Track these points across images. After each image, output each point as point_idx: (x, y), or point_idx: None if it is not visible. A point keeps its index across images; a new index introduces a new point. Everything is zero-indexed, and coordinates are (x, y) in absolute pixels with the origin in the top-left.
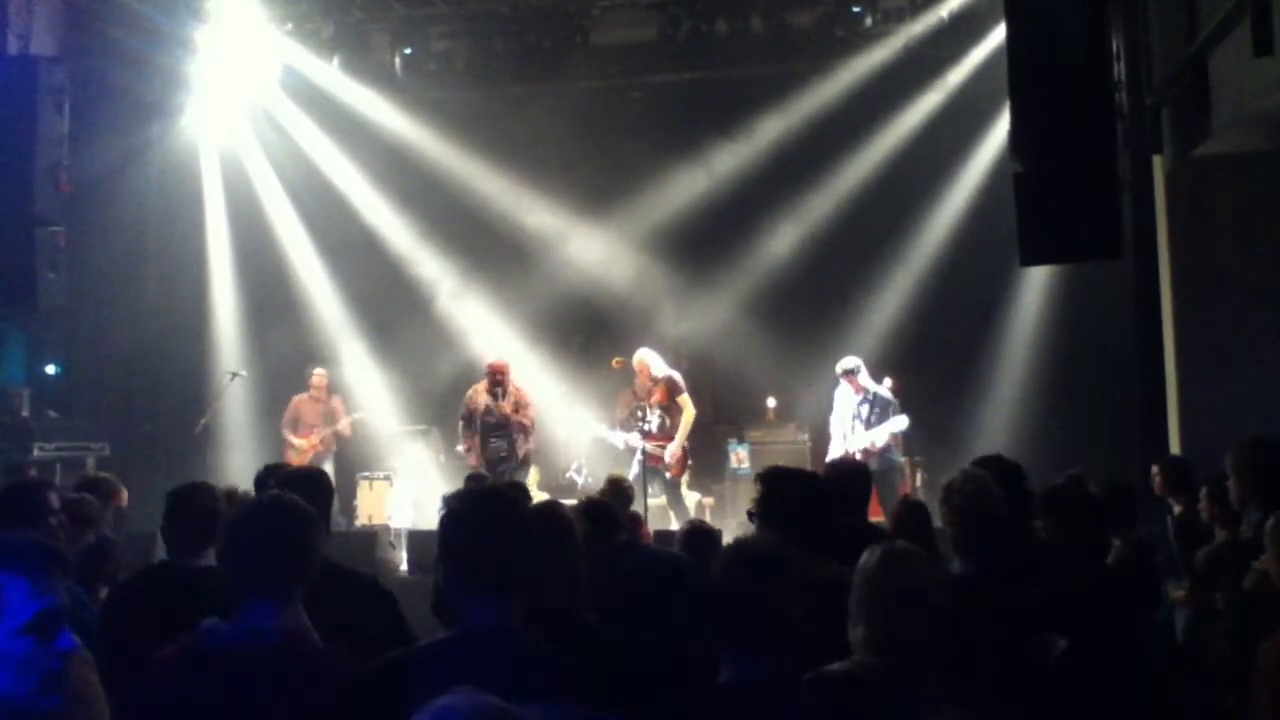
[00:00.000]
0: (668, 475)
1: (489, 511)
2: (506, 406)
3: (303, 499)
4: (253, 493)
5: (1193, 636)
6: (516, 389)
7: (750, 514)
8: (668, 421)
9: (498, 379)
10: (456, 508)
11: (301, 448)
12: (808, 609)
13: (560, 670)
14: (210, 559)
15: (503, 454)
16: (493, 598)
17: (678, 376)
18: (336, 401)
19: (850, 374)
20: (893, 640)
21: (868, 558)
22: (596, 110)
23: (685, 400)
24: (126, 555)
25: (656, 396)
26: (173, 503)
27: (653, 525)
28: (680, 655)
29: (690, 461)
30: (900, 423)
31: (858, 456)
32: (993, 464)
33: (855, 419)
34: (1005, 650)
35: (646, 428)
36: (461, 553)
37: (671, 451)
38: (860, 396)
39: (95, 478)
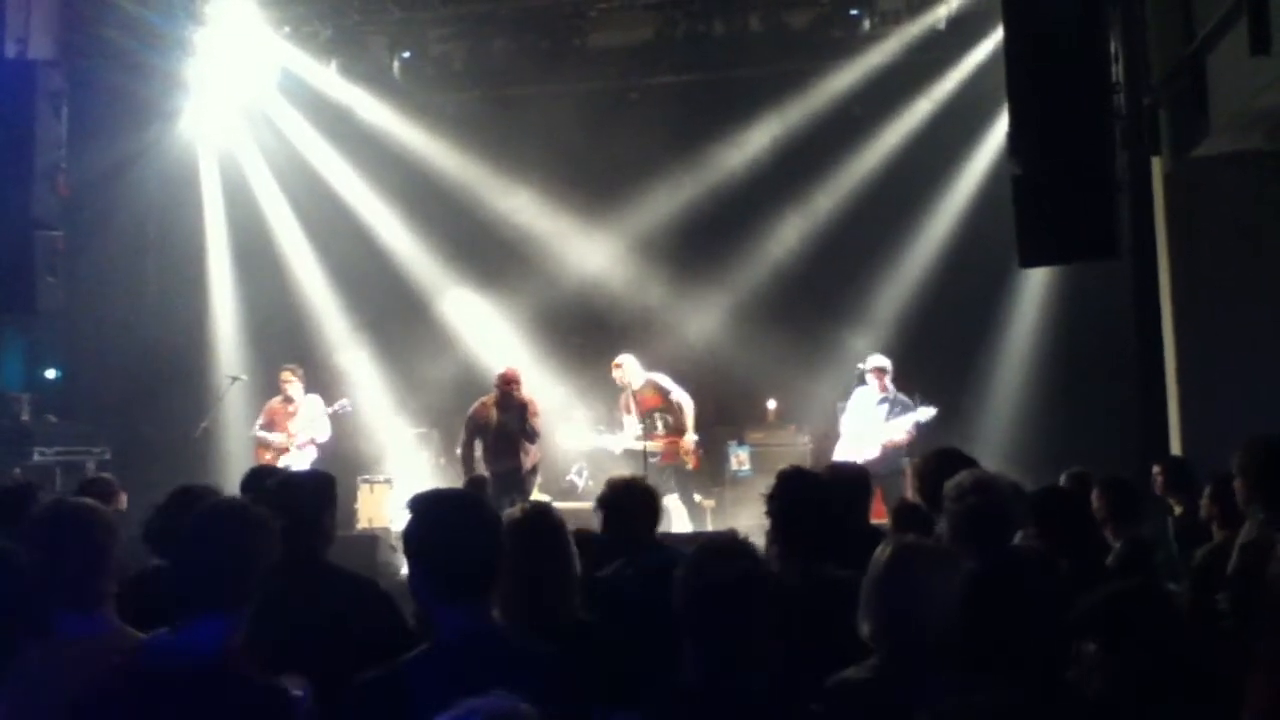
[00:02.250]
0: (688, 467)
1: (458, 513)
2: (515, 420)
3: (302, 502)
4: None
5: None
6: (528, 399)
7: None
8: (670, 420)
9: (508, 389)
10: (423, 512)
11: (273, 444)
12: (773, 608)
13: (542, 670)
14: None
15: (514, 467)
16: (470, 602)
17: (659, 377)
18: (311, 400)
19: (881, 371)
20: (904, 635)
21: (880, 552)
22: (594, 112)
23: (680, 395)
24: (124, 558)
25: (651, 403)
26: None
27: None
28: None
29: (702, 451)
30: (927, 412)
31: (877, 451)
32: (951, 456)
33: (880, 418)
34: (1018, 645)
35: (654, 429)
36: (434, 557)
37: (686, 445)
38: (883, 395)
39: (94, 479)
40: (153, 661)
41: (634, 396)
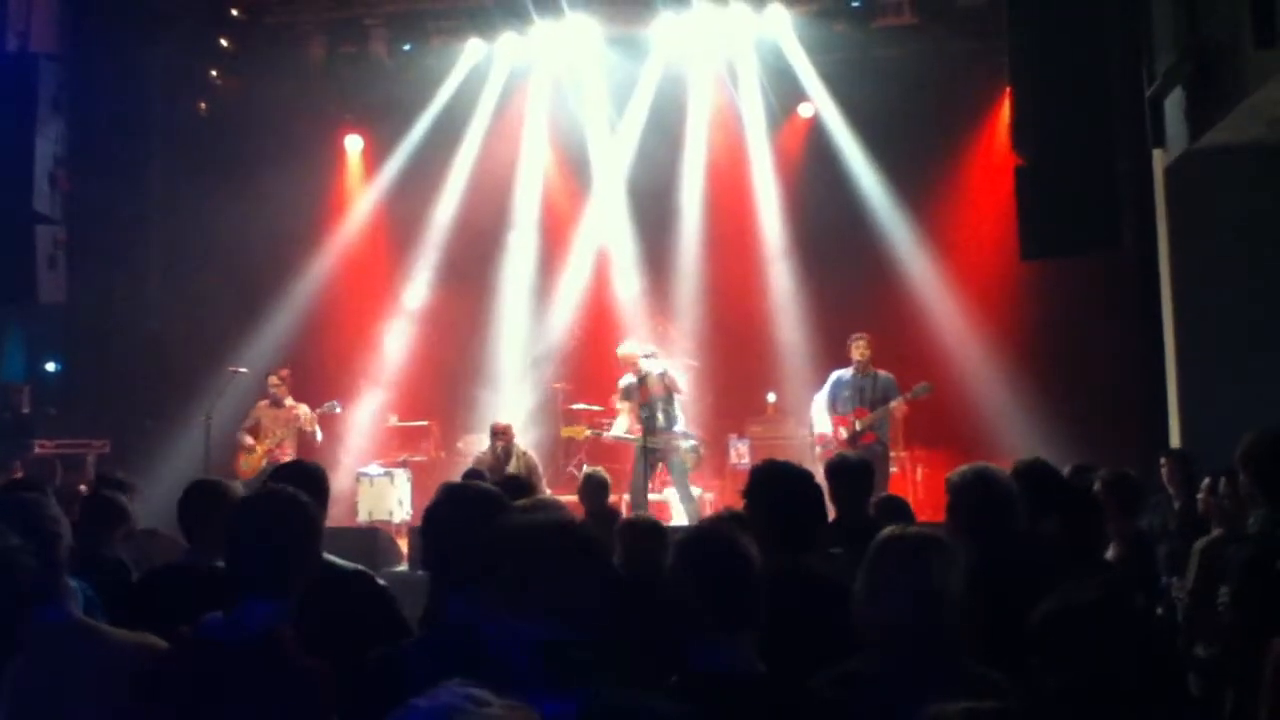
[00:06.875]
0: (686, 465)
1: (466, 506)
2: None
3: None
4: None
5: (1192, 629)
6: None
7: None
8: (675, 410)
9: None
10: (438, 503)
11: (254, 449)
12: (765, 592)
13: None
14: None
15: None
16: (467, 590)
17: (671, 371)
18: (301, 408)
19: (862, 348)
20: (904, 628)
21: (877, 542)
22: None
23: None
24: (126, 552)
25: (662, 389)
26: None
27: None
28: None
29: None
30: (887, 409)
31: (834, 442)
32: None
33: (855, 399)
34: (1016, 638)
35: (655, 423)
36: (440, 546)
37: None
38: (863, 377)
39: (110, 476)
40: (202, 639)
41: (640, 385)
